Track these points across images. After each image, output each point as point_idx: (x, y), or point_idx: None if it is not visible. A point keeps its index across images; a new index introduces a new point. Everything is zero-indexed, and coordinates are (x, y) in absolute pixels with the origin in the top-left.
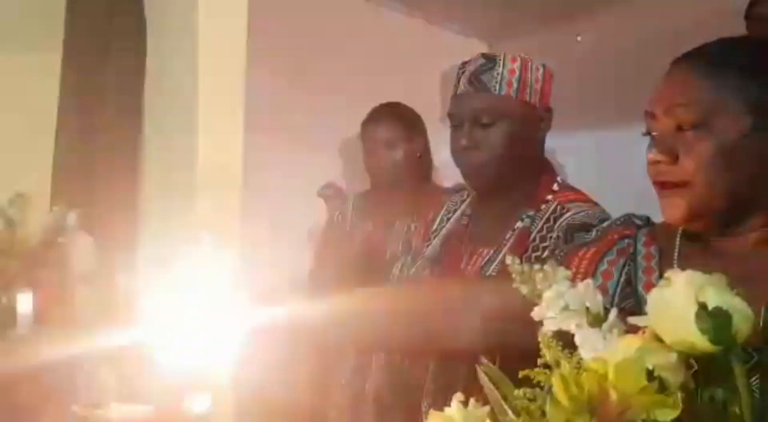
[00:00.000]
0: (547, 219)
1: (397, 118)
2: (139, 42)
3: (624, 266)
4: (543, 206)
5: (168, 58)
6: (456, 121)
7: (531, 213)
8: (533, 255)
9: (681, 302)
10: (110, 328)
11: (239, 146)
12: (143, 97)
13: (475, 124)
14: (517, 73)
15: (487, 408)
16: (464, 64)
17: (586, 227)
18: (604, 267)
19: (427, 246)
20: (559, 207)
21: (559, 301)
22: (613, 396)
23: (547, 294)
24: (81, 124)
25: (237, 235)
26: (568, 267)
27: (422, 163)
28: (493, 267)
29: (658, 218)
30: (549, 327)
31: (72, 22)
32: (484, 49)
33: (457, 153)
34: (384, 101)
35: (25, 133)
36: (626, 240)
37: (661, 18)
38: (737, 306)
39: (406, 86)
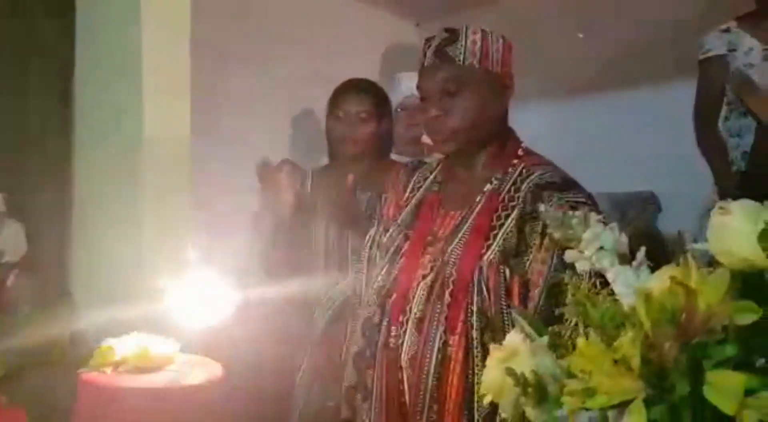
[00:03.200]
0: (515, 181)
1: (372, 95)
2: (68, 18)
3: None
4: (510, 169)
5: (104, 38)
6: (425, 92)
7: (499, 175)
8: (503, 213)
9: (741, 225)
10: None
11: (186, 125)
12: (74, 79)
13: (443, 94)
14: (479, 43)
15: (546, 338)
16: (428, 39)
17: (551, 186)
18: None
19: (400, 213)
20: (524, 169)
21: (596, 242)
22: (702, 306)
23: (586, 235)
24: (7, 109)
25: (186, 217)
26: None
27: (384, 142)
28: (465, 227)
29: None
30: (583, 267)
31: None
32: (413, 30)
33: (428, 122)
34: (323, 78)
35: None
36: None
37: None
38: None
39: (345, 65)
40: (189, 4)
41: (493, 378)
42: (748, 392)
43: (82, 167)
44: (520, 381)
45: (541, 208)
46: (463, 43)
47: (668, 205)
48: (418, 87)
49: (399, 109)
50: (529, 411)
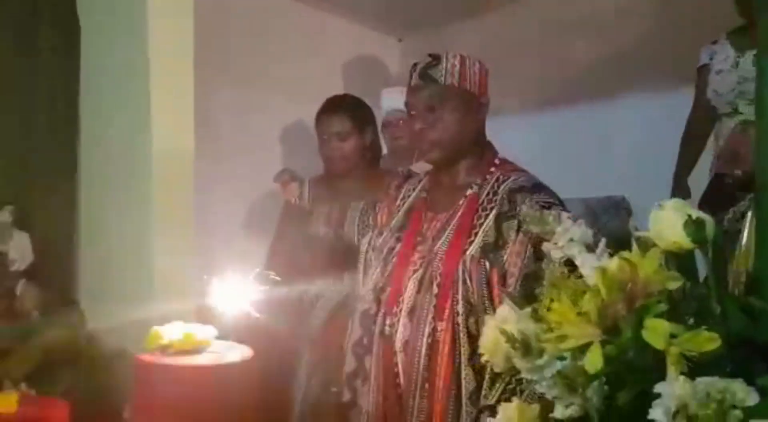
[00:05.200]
0: (492, 186)
1: (347, 112)
2: (72, 38)
3: None
4: (488, 176)
5: (108, 56)
6: (412, 108)
7: (478, 182)
8: (482, 214)
9: (672, 217)
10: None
11: (191, 140)
12: (79, 93)
13: (426, 109)
14: (458, 66)
15: (529, 309)
16: (415, 63)
17: (524, 189)
18: None
19: (392, 218)
20: (501, 176)
21: (567, 234)
22: (642, 275)
23: (559, 229)
24: (14, 122)
25: (191, 229)
26: None
27: (371, 151)
28: (450, 227)
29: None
30: (556, 255)
31: None
32: (397, 45)
33: (414, 134)
34: (314, 92)
35: None
36: None
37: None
38: (707, 219)
39: (333, 79)
40: (192, 25)
41: (488, 340)
42: (673, 336)
43: (88, 178)
44: (511, 338)
45: (523, 208)
46: (444, 66)
47: (639, 209)
48: (406, 104)
49: (384, 125)
50: (518, 362)
